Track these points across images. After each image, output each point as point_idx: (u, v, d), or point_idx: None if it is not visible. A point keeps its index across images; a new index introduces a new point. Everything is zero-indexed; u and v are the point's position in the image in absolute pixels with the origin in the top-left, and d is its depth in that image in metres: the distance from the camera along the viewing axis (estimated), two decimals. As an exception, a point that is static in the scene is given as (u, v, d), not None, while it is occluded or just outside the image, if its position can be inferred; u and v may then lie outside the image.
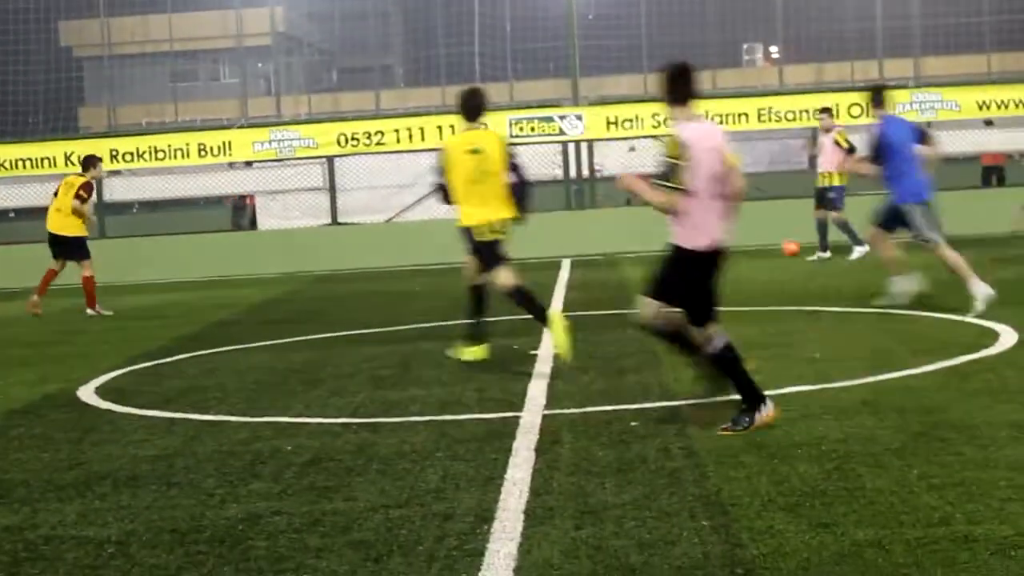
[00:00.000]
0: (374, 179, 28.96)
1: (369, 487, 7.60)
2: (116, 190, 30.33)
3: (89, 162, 20.57)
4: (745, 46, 69.85)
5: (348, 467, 8.16)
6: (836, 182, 22.89)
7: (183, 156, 28.50)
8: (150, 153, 28.57)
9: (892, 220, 14.91)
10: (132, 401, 11.18)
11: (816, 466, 7.45)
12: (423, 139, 28.57)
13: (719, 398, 9.00)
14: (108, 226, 29.11)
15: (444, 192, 12.21)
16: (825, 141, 23.13)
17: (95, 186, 20.58)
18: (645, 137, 29.08)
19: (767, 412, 8.52)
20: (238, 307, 20.20)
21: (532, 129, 28.51)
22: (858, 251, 22.26)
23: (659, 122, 28.22)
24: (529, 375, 11.36)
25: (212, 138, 28.93)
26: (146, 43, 66.30)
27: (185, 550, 6.54)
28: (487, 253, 12.14)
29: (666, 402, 9.78)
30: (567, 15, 32.32)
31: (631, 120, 28.54)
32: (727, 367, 8.66)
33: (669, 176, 8.38)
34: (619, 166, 30.88)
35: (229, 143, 28.77)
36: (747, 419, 8.51)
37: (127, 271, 26.88)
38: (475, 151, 12.04)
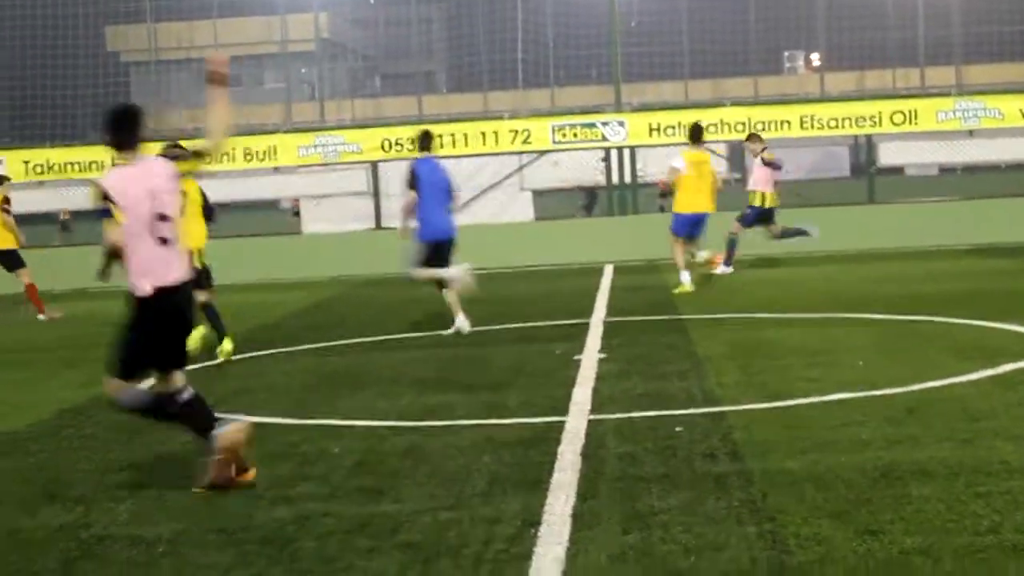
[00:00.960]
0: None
1: (417, 490, 7.61)
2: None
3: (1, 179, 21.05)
4: (786, 53, 69.69)
5: (395, 470, 8.18)
6: (767, 203, 22.46)
7: (229, 160, 28.58)
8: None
9: (433, 257, 15.68)
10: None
11: (862, 473, 7.42)
12: (466, 145, 28.57)
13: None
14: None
15: None
16: (753, 164, 22.83)
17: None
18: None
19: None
20: (284, 310, 20.26)
21: (575, 135, 28.48)
22: (723, 269, 22.11)
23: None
24: (572, 380, 11.33)
25: (258, 142, 29.01)
26: (191, 48, 66.57)
27: (236, 550, 6.57)
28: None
29: (710, 408, 9.76)
30: (610, 22, 32.30)
31: (673, 127, 28.45)
32: (190, 421, 8.12)
33: (106, 214, 7.85)
34: (662, 172, 30.83)
35: (275, 148, 28.85)
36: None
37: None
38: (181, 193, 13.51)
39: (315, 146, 28.65)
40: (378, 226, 28.60)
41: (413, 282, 16.30)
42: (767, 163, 21.98)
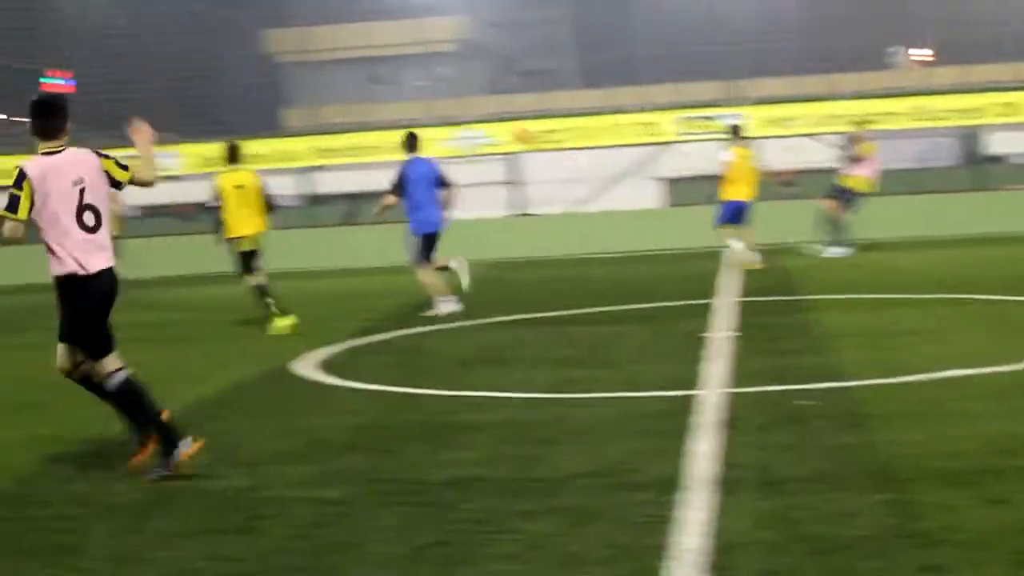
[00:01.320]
0: (552, 174, 29.00)
1: (564, 457, 7.60)
2: (322, 184, 30.82)
3: None
4: (890, 49, 68.56)
5: (543, 438, 8.17)
6: (861, 187, 22.38)
7: (379, 153, 28.85)
8: (350, 150, 29.01)
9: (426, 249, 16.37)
10: (344, 375, 11.33)
11: (984, 445, 7.29)
12: (596, 137, 28.54)
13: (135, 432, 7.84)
14: (316, 216, 29.59)
15: (218, 214, 15.57)
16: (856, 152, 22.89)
17: None
18: (801, 135, 28.72)
19: (184, 450, 7.66)
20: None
21: (697, 127, 28.32)
22: (834, 251, 21.91)
23: (814, 121, 27.89)
24: (703, 356, 11.26)
25: (401, 137, 29.24)
26: (339, 50, 67.24)
27: (400, 512, 6.61)
28: (246, 259, 15.56)
29: (836, 382, 9.63)
30: (728, 21, 32.08)
31: (788, 119, 28.22)
32: (126, 405, 7.85)
33: (10, 207, 7.54)
34: (778, 162, 30.54)
35: (423, 141, 29.02)
36: (165, 463, 7.65)
37: (333, 257, 27.26)
38: (239, 187, 15.47)
39: (457, 139, 28.80)
40: (517, 212, 28.65)
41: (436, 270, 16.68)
42: (856, 156, 22.27)
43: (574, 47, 69.29)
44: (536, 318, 15.34)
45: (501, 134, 28.69)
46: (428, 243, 16.30)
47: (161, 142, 29.87)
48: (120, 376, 7.79)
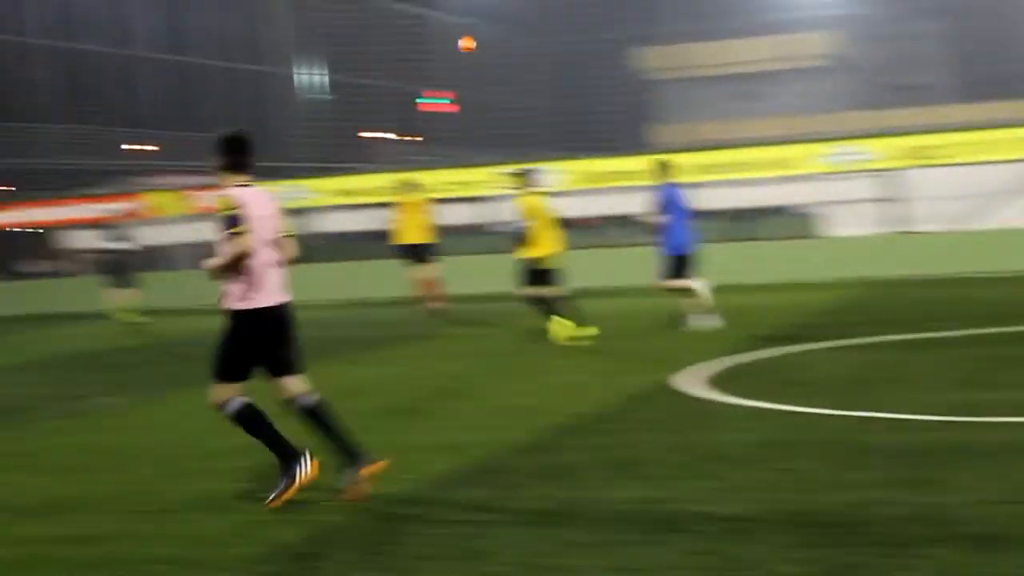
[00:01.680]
0: (931, 190, 28.06)
1: (968, 482, 7.31)
2: (700, 200, 30.83)
3: None
4: None
5: (948, 462, 7.88)
6: None
7: (753, 169, 28.63)
8: (725, 167, 28.89)
9: (678, 268, 17.42)
10: (731, 391, 11.27)
11: None
12: (978, 152, 27.48)
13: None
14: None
15: (523, 233, 16.49)
16: None
17: None
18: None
19: (306, 470, 7.76)
20: (812, 309, 19.96)
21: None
22: None
23: None
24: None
25: (780, 152, 28.94)
26: (711, 67, 67.35)
27: (800, 532, 6.50)
28: (543, 275, 16.56)
29: None
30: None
31: None
32: (250, 430, 7.91)
33: (233, 225, 7.68)
34: None
35: (796, 157, 28.66)
36: (286, 481, 7.74)
37: (709, 274, 27.15)
38: (543, 208, 16.57)
39: (832, 155, 28.28)
40: (902, 230, 27.78)
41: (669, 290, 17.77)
42: None
43: (949, 61, 67.20)
44: (921, 339, 14.85)
45: (879, 150, 28.00)
46: (681, 264, 17.34)
47: (536, 159, 30.61)
48: (235, 403, 7.90)
